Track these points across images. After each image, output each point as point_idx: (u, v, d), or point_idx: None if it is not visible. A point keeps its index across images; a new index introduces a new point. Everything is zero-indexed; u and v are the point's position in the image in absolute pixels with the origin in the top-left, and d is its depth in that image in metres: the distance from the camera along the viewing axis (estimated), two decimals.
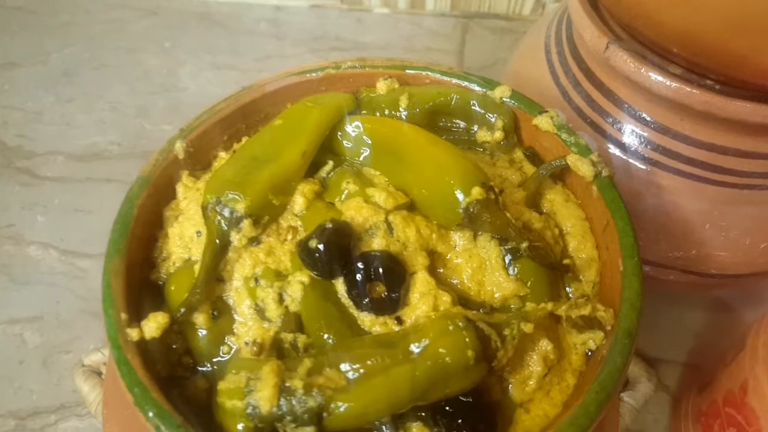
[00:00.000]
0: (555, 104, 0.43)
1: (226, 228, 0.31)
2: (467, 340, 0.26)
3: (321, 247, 0.29)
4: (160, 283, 0.33)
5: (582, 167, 0.34)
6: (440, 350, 0.26)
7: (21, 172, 0.66)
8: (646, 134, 0.40)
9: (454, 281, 0.32)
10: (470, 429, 0.27)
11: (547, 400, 0.29)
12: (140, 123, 0.71)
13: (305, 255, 0.30)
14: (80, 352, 0.53)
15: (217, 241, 0.31)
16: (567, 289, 0.33)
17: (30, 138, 0.69)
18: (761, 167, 0.39)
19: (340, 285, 0.30)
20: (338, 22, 0.83)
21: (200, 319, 0.30)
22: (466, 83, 0.39)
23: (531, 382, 0.29)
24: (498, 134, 0.37)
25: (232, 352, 0.31)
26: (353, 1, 0.84)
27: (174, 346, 0.31)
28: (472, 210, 0.31)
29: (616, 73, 0.40)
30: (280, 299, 0.30)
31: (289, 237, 0.32)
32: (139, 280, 0.33)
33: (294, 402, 0.25)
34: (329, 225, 0.30)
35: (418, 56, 0.40)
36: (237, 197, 0.31)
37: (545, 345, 0.29)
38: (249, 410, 0.26)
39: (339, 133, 0.36)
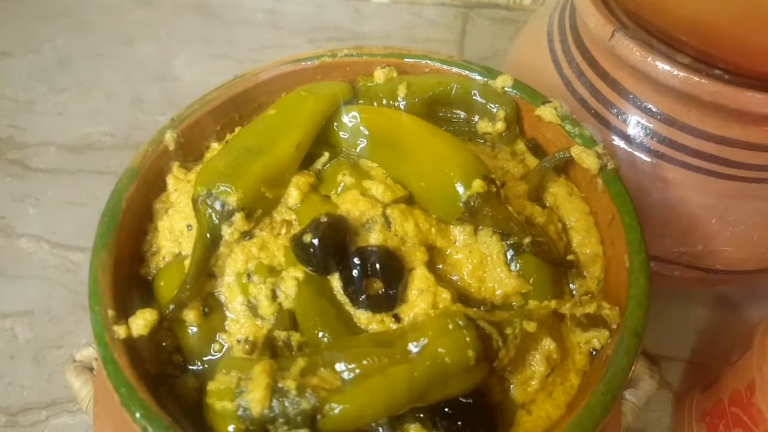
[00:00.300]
0: (558, 95, 0.42)
1: (217, 221, 0.30)
2: (468, 339, 0.25)
3: (316, 241, 0.28)
4: (150, 278, 0.33)
5: (587, 159, 0.33)
6: (439, 350, 0.25)
7: (12, 163, 0.66)
8: (651, 126, 0.39)
9: (454, 278, 0.31)
10: (470, 431, 0.26)
11: (549, 401, 0.28)
12: (134, 113, 0.71)
13: (299, 250, 0.29)
14: (72, 347, 0.52)
15: (208, 235, 0.30)
16: (570, 285, 0.32)
17: (22, 128, 0.69)
18: None
19: (335, 281, 0.30)
20: (336, 12, 0.83)
21: (190, 315, 0.30)
22: (466, 72, 0.38)
23: (533, 383, 0.28)
24: (499, 125, 0.36)
25: (224, 350, 0.30)
26: None
27: (163, 344, 0.30)
28: (472, 203, 0.30)
29: (621, 63, 0.39)
30: (274, 296, 0.30)
31: (283, 231, 0.32)
32: (127, 275, 0.32)
33: (287, 404, 0.24)
34: (324, 219, 0.29)
35: (417, 47, 0.39)
36: (229, 190, 0.30)
37: (548, 344, 0.28)
38: (239, 412, 0.25)
39: (335, 124, 0.35)
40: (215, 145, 0.37)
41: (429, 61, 0.39)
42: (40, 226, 0.60)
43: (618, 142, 0.40)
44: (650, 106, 0.39)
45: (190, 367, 0.30)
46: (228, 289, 0.31)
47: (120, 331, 0.28)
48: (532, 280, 0.30)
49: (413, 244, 0.30)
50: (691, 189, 0.39)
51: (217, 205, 0.30)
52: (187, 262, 0.31)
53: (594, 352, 0.29)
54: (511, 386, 0.28)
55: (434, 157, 0.32)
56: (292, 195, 0.32)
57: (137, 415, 0.25)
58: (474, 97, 0.37)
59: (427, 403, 0.26)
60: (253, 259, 0.31)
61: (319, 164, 0.34)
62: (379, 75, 0.38)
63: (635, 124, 0.40)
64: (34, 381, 0.51)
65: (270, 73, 0.38)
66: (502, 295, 0.30)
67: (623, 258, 0.30)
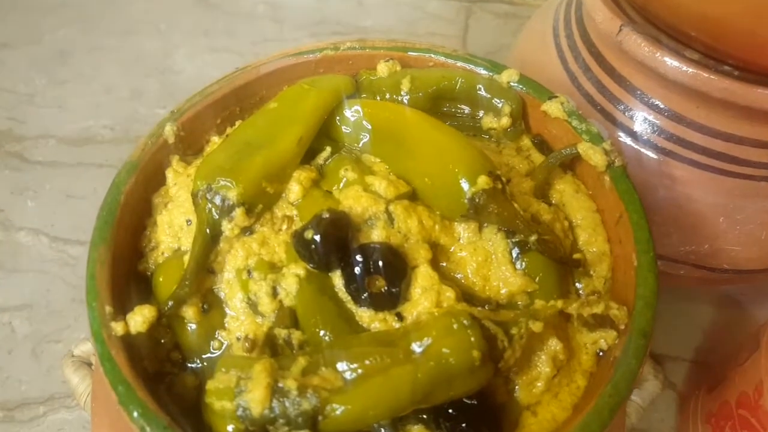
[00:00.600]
0: (563, 91, 0.41)
1: (217, 217, 0.30)
2: (473, 339, 0.25)
3: (317, 238, 0.28)
4: (148, 274, 0.32)
5: (594, 156, 0.32)
6: (444, 350, 0.25)
7: (11, 155, 0.65)
8: (659, 123, 0.39)
9: (458, 276, 0.31)
10: None
11: (555, 402, 0.28)
12: (134, 106, 0.70)
13: (301, 246, 0.29)
14: (70, 341, 0.52)
15: (208, 230, 0.30)
16: (577, 284, 0.32)
17: (21, 121, 0.68)
18: None
19: (337, 278, 0.29)
20: (338, 6, 0.82)
21: (190, 312, 0.29)
22: (471, 66, 0.38)
23: (539, 384, 0.28)
24: (505, 120, 0.36)
25: (223, 347, 0.30)
26: None
27: (162, 341, 0.30)
28: (477, 200, 0.29)
29: (628, 58, 0.38)
30: (274, 293, 0.29)
31: (284, 227, 0.31)
32: (125, 270, 0.32)
33: (287, 404, 0.24)
34: (326, 215, 0.29)
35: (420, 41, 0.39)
36: (229, 184, 0.30)
37: (554, 344, 0.28)
38: (239, 412, 0.25)
39: (337, 118, 0.35)
40: (215, 139, 0.37)
41: (433, 55, 0.38)
42: (38, 219, 0.60)
43: (624, 138, 0.40)
44: (658, 102, 0.39)
45: (189, 365, 0.30)
46: (228, 286, 0.30)
47: (118, 327, 0.28)
48: (537, 278, 0.30)
49: (416, 241, 0.30)
50: (699, 187, 0.39)
51: (217, 200, 0.30)
52: (186, 258, 0.30)
53: (601, 353, 0.29)
54: (516, 387, 0.28)
55: (438, 153, 0.31)
56: (294, 190, 0.32)
57: (135, 414, 0.25)
58: (479, 92, 0.36)
59: (430, 405, 0.25)
60: (254, 255, 0.30)
61: (320, 159, 0.34)
62: (383, 68, 0.37)
63: (642, 121, 0.39)
64: (32, 376, 0.50)
65: (272, 65, 0.38)
66: (507, 294, 0.30)
67: (631, 257, 0.30)
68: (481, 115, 0.37)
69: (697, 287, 0.54)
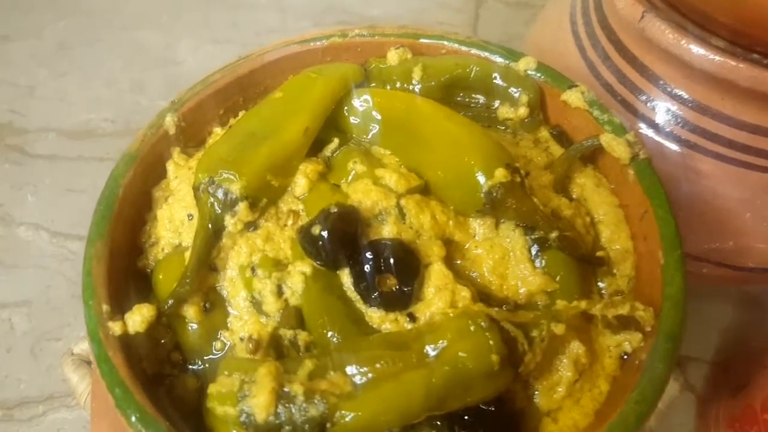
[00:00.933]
0: (582, 80, 0.40)
1: (219, 211, 0.29)
2: (491, 342, 0.24)
3: (325, 234, 0.27)
4: (148, 270, 0.32)
5: (617, 148, 0.31)
6: (460, 354, 0.24)
7: (11, 149, 0.65)
8: (682, 114, 0.38)
9: (474, 274, 0.30)
10: None
11: (577, 408, 0.27)
12: (136, 99, 0.70)
13: (307, 242, 0.28)
14: (70, 339, 0.51)
15: (210, 225, 0.30)
16: (599, 284, 0.31)
17: (21, 114, 0.68)
18: None
19: (345, 277, 0.29)
20: None
21: (191, 311, 0.29)
22: (486, 54, 0.37)
23: (560, 389, 0.27)
24: (522, 110, 0.35)
25: (226, 348, 0.29)
26: None
27: (162, 342, 0.30)
28: (494, 194, 0.29)
29: (651, 46, 0.37)
30: (279, 291, 0.29)
31: (290, 222, 0.31)
32: (124, 267, 0.31)
33: (293, 410, 0.23)
34: (334, 209, 0.28)
35: None
36: (232, 177, 0.29)
37: (576, 347, 0.27)
38: (242, 418, 0.24)
39: (345, 108, 0.34)
40: (218, 130, 0.36)
41: (446, 42, 0.37)
42: (38, 214, 0.60)
43: (646, 130, 0.39)
44: (681, 92, 0.37)
45: (190, 366, 0.30)
46: (231, 284, 0.30)
47: (115, 327, 0.27)
48: (558, 277, 0.29)
49: (429, 237, 0.29)
50: (724, 181, 0.38)
51: (220, 194, 0.29)
52: (187, 254, 0.30)
53: (625, 356, 0.28)
54: (536, 392, 0.27)
55: (452, 144, 0.31)
56: (300, 183, 0.31)
57: (133, 418, 0.25)
58: (494, 81, 0.36)
59: (445, 411, 0.24)
60: (258, 251, 0.30)
61: (328, 151, 0.34)
62: (393, 56, 0.37)
63: (665, 112, 0.38)
64: (32, 374, 0.50)
65: (276, 54, 0.37)
66: (525, 294, 0.29)
67: (657, 254, 0.29)
68: (496, 104, 0.36)
69: (719, 285, 0.52)
